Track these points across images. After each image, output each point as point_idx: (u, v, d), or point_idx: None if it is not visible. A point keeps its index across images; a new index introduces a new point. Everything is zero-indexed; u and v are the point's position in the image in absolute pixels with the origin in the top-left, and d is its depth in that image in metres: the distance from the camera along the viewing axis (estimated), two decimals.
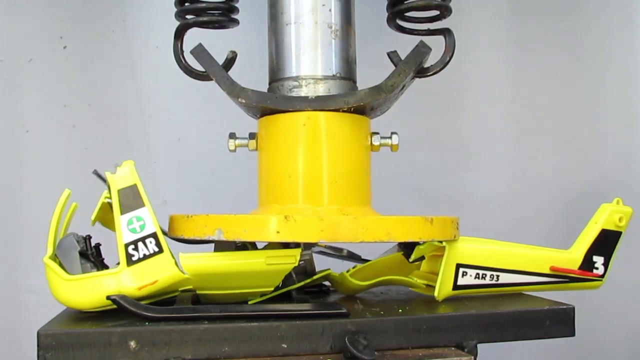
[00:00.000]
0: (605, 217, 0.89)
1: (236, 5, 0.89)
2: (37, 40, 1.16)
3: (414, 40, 0.86)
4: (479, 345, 0.73)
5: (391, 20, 0.90)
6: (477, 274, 0.83)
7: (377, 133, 0.86)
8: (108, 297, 0.71)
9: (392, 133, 0.86)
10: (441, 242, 0.81)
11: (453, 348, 0.73)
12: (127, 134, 1.19)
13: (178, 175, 1.20)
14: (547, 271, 0.86)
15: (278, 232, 0.71)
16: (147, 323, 0.69)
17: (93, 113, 1.17)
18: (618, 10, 1.30)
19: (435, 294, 0.81)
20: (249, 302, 0.78)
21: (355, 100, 0.81)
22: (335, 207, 0.80)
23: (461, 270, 0.83)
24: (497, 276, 0.84)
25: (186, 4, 0.87)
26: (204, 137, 1.19)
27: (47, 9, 1.16)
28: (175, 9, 0.88)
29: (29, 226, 1.15)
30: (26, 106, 1.16)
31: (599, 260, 0.88)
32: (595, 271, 0.88)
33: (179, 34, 0.87)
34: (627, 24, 1.31)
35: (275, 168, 0.82)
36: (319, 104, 0.80)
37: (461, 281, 0.83)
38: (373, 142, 0.85)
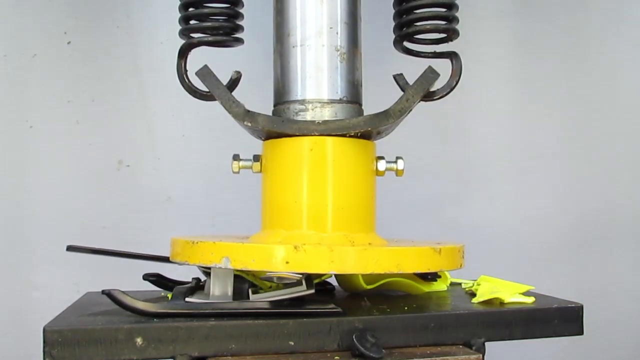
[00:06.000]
0: None
1: (241, 24, 0.87)
2: (41, 36, 1.15)
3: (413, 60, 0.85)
4: (487, 343, 0.74)
5: (398, 43, 0.88)
6: None
7: (383, 158, 0.85)
8: (103, 292, 0.70)
9: (398, 158, 0.85)
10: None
11: (461, 346, 0.73)
12: (131, 130, 1.18)
13: (182, 172, 1.19)
14: None
15: (287, 262, 0.70)
16: (154, 320, 0.68)
17: (97, 109, 1.17)
18: (625, 8, 1.28)
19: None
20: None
21: (363, 126, 0.80)
22: (340, 233, 0.80)
23: None
24: None
25: (191, 22, 0.85)
26: (208, 133, 1.19)
27: (51, 4, 1.15)
28: (178, 6, 0.86)
29: (33, 222, 1.15)
30: (30, 102, 1.15)
31: None
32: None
33: (183, 54, 0.86)
34: (634, 21, 1.29)
35: (281, 192, 0.81)
36: (327, 128, 0.79)
37: None
38: (378, 168, 0.84)
